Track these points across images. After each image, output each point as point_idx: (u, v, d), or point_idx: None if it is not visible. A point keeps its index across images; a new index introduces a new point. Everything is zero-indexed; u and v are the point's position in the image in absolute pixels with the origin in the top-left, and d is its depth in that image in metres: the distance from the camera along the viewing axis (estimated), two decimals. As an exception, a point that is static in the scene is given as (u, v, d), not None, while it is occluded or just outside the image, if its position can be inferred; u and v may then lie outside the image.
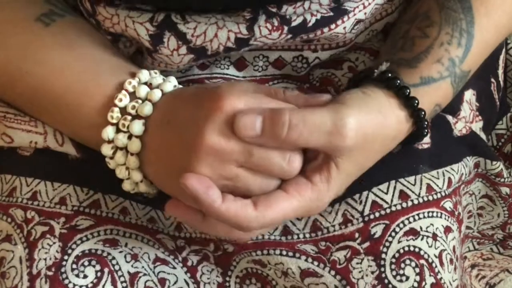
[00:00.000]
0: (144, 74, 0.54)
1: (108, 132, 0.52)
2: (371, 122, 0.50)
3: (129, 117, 0.52)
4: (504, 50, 0.70)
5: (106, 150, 0.53)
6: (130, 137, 0.52)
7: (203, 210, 0.49)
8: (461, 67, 0.55)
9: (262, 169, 0.49)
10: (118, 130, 0.53)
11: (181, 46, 0.54)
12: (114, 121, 0.52)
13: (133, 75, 0.54)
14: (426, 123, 0.53)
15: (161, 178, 0.52)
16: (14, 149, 0.59)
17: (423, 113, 0.52)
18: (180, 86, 0.55)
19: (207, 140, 0.47)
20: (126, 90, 0.53)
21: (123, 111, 0.53)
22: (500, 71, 0.69)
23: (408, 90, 0.52)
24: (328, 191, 0.50)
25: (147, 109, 0.52)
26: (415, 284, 0.53)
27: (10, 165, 0.58)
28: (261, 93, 0.50)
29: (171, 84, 0.54)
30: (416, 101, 0.52)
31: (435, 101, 0.55)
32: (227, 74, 0.59)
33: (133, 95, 0.53)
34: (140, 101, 0.53)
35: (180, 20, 0.54)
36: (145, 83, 0.54)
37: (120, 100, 0.52)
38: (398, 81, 0.52)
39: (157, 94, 0.53)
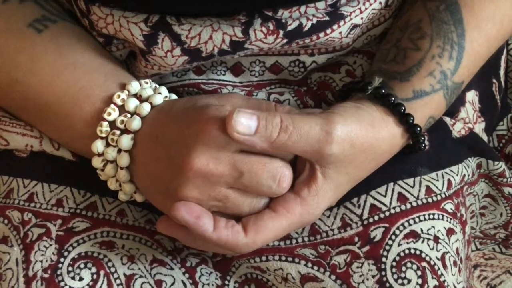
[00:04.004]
0: (133, 86, 0.53)
1: (98, 145, 0.51)
2: (360, 132, 0.48)
3: (117, 132, 0.51)
4: (505, 50, 0.68)
5: (96, 162, 0.52)
6: (119, 151, 0.51)
7: (195, 236, 0.48)
8: (453, 79, 0.53)
9: (251, 190, 0.48)
10: (107, 144, 0.51)
11: (175, 47, 0.52)
12: (103, 135, 0.51)
13: (122, 87, 0.53)
14: (422, 138, 0.52)
15: (151, 193, 0.51)
16: (10, 150, 0.57)
17: (418, 129, 0.51)
18: (173, 95, 0.54)
19: (196, 163, 0.46)
20: (115, 104, 0.52)
21: (112, 124, 0.51)
22: (502, 72, 0.67)
23: (403, 108, 0.51)
24: (318, 203, 0.49)
25: (135, 124, 0.51)
26: (417, 287, 0.51)
27: (7, 166, 0.57)
28: (252, 108, 0.49)
29: (161, 96, 0.52)
30: (412, 118, 0.51)
31: (429, 114, 0.53)
32: (223, 80, 0.57)
33: (122, 108, 0.52)
34: (129, 115, 0.51)
35: (175, 22, 0.52)
36: (135, 95, 0.52)
37: (109, 114, 0.51)
38: (393, 98, 0.50)
39: (145, 108, 0.51)
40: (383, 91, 0.51)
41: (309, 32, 0.53)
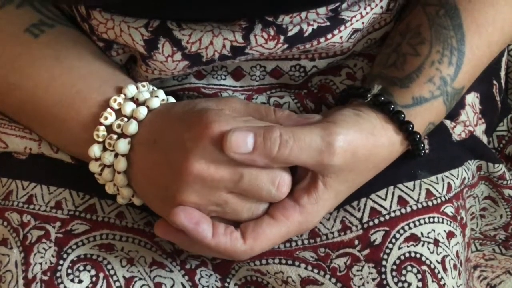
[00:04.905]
0: (130, 90, 0.52)
1: (94, 150, 0.51)
2: (361, 141, 0.48)
3: (114, 136, 0.50)
4: (506, 51, 0.67)
5: (94, 167, 0.51)
6: (116, 155, 0.51)
7: (193, 241, 0.48)
8: (453, 85, 0.53)
9: (250, 195, 0.47)
10: (104, 148, 0.51)
11: (175, 52, 0.52)
12: (100, 139, 0.51)
13: (119, 91, 0.52)
14: (422, 145, 0.52)
15: (149, 197, 0.50)
16: (9, 153, 0.57)
17: (418, 136, 0.51)
18: (170, 98, 0.53)
19: (195, 168, 0.46)
20: (112, 108, 0.51)
21: (109, 129, 0.51)
22: (503, 73, 0.67)
23: (403, 115, 0.50)
24: (317, 212, 0.49)
25: (132, 128, 0.50)
26: None
27: (6, 168, 0.56)
28: (251, 112, 0.50)
29: (158, 99, 0.52)
30: (411, 126, 0.50)
31: (428, 120, 0.53)
32: (223, 85, 0.56)
33: (119, 112, 0.51)
34: (125, 119, 0.51)
35: (176, 27, 0.51)
36: (132, 98, 0.52)
37: (106, 118, 0.51)
38: (392, 106, 0.50)
39: (142, 112, 0.50)
40: (383, 98, 0.50)
41: (310, 37, 0.52)
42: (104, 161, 0.50)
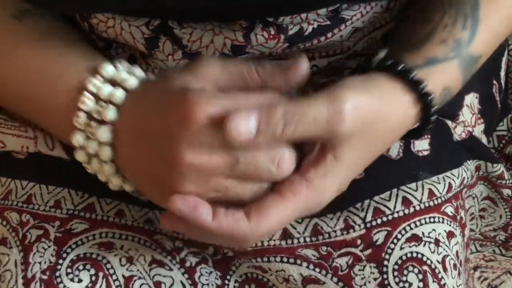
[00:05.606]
0: (106, 69, 0.48)
1: (77, 138, 0.47)
2: (370, 106, 0.44)
3: (94, 124, 0.47)
4: (506, 51, 0.67)
5: (80, 156, 0.48)
6: (101, 143, 0.47)
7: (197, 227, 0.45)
8: (468, 50, 0.49)
9: (250, 177, 0.44)
10: (88, 136, 0.47)
11: (176, 50, 0.51)
12: (82, 126, 0.47)
13: (95, 72, 0.48)
14: (434, 109, 0.47)
15: (141, 184, 0.48)
16: (9, 152, 0.56)
17: (431, 97, 0.47)
18: (150, 75, 0.51)
19: (187, 158, 0.43)
20: (89, 91, 0.47)
21: (90, 115, 0.47)
22: (503, 73, 0.66)
23: (413, 73, 0.46)
24: (326, 186, 0.45)
25: (111, 114, 0.46)
26: None
27: (5, 168, 0.56)
28: (234, 79, 0.46)
29: (136, 79, 0.48)
30: (422, 84, 0.46)
31: (442, 84, 0.48)
32: None
33: (98, 96, 0.48)
34: (104, 104, 0.47)
35: (176, 25, 0.51)
36: (110, 80, 0.48)
37: (83, 103, 0.47)
38: (402, 65, 0.47)
39: (119, 96, 0.47)
40: (390, 61, 0.47)
41: (310, 36, 0.52)
42: (88, 150, 0.47)
